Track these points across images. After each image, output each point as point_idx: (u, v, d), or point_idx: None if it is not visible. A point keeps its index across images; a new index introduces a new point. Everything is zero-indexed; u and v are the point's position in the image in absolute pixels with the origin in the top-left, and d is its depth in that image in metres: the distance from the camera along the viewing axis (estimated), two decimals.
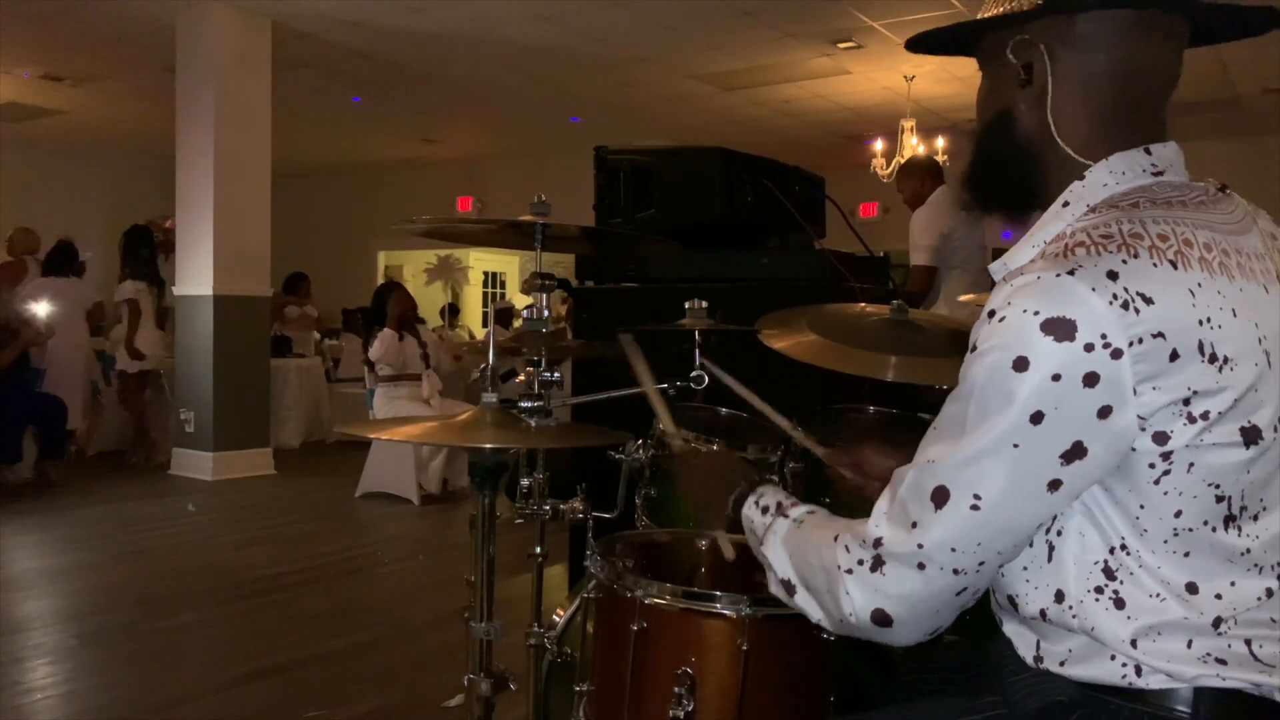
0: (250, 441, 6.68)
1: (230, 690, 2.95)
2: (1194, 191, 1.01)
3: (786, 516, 1.13)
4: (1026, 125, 1.06)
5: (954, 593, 0.97)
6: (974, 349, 0.94)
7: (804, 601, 1.06)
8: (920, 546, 0.96)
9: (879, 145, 8.05)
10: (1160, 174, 1.01)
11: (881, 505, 1.01)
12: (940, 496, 0.95)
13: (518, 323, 7.64)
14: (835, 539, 1.04)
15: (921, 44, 1.15)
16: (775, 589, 1.11)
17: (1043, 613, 0.99)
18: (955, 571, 0.96)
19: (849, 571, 1.00)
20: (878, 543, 0.99)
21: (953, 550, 0.95)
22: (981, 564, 0.96)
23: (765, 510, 1.15)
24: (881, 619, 0.99)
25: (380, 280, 12.94)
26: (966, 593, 0.98)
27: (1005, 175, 1.10)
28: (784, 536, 1.10)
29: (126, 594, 3.91)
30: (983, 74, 1.12)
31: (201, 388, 6.52)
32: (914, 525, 0.96)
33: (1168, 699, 0.94)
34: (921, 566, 0.96)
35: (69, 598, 3.95)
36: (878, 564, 0.99)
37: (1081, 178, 1.02)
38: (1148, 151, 1.02)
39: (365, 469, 6.00)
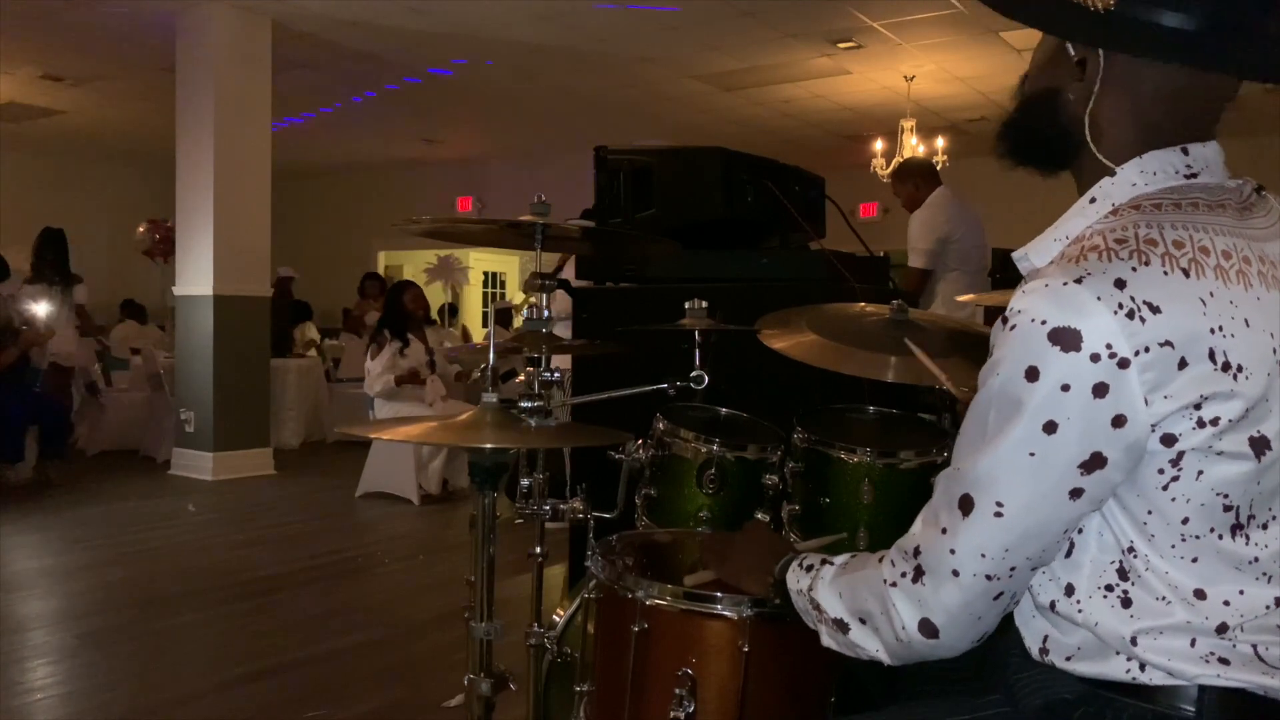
0: (250, 441, 6.68)
1: (230, 690, 2.95)
2: (1225, 194, 0.99)
3: (831, 564, 1.14)
4: (1069, 112, 1.05)
5: (991, 598, 0.98)
6: (990, 355, 0.95)
7: (860, 637, 1.06)
8: (952, 553, 0.97)
9: (879, 145, 8.05)
10: (1194, 175, 1.00)
11: (923, 511, 1.03)
12: (966, 504, 0.96)
13: (518, 322, 7.64)
14: (881, 559, 1.05)
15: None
16: (829, 638, 1.10)
17: (1052, 604, 1.00)
18: (988, 577, 0.96)
19: (894, 585, 1.01)
20: (917, 551, 1.00)
21: (982, 556, 0.95)
22: (1013, 569, 0.96)
23: (810, 568, 1.16)
24: (928, 630, 0.99)
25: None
26: (1004, 597, 0.98)
27: (1040, 145, 1.10)
28: (831, 579, 1.11)
29: (126, 594, 3.91)
30: (1039, 44, 1.10)
31: (201, 388, 6.52)
32: (944, 531, 0.98)
33: (1173, 696, 0.94)
34: (956, 574, 0.97)
35: (69, 598, 3.95)
36: (918, 574, 1.00)
37: (1112, 174, 1.01)
38: (1185, 151, 1.00)
39: (365, 469, 5.99)
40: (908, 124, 7.79)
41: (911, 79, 7.65)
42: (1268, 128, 8.57)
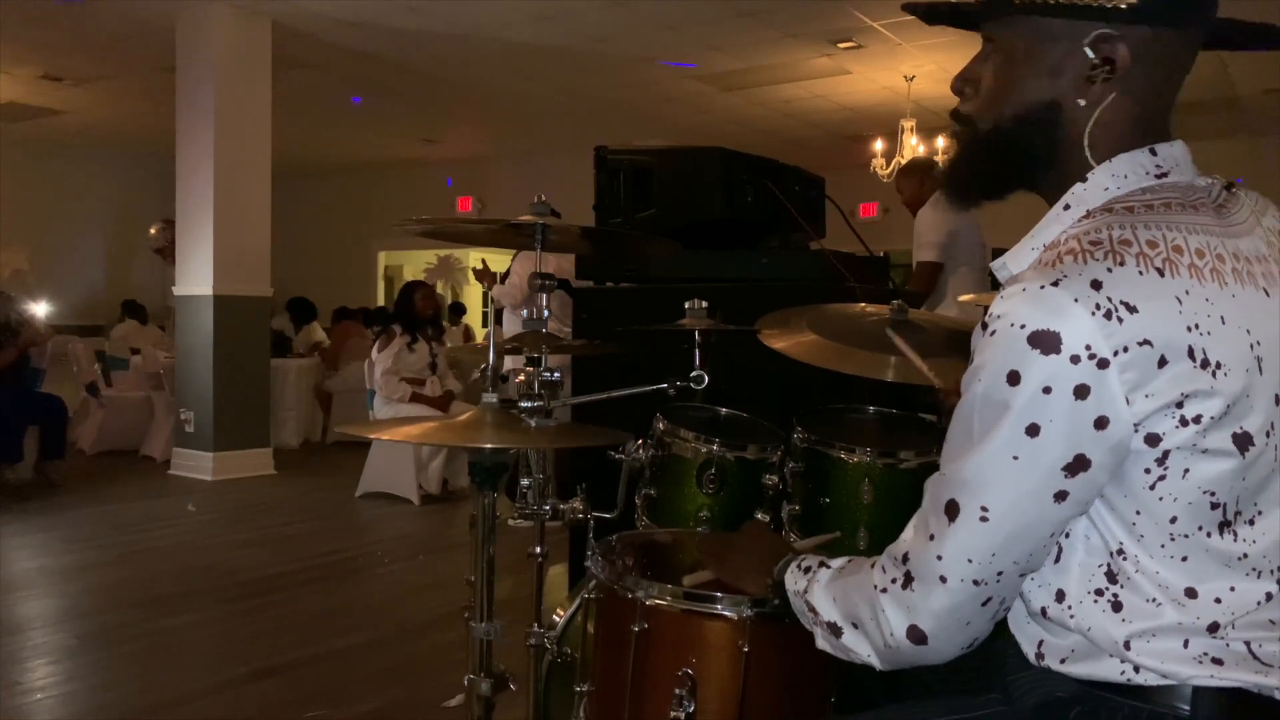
0: (250, 441, 6.68)
1: (230, 690, 2.95)
2: (1196, 193, 1.00)
3: (828, 567, 1.14)
4: (1071, 120, 1.01)
5: (979, 603, 0.97)
6: (972, 362, 0.95)
7: (852, 641, 1.06)
8: (939, 558, 0.97)
9: (879, 145, 8.05)
10: (1164, 175, 1.00)
11: (914, 518, 1.03)
12: (952, 509, 0.96)
13: None
14: (873, 565, 1.06)
15: (922, 9, 1.10)
16: (823, 640, 1.11)
17: (1044, 610, 1.00)
18: (976, 583, 0.96)
19: (884, 591, 1.02)
20: (905, 557, 1.01)
21: (969, 561, 0.95)
22: (1000, 574, 0.96)
23: (808, 570, 1.16)
24: (917, 636, 0.99)
25: (380, 280, 12.98)
26: (993, 602, 0.98)
27: (1023, 167, 1.06)
28: (826, 583, 1.11)
29: (126, 594, 3.91)
30: (1011, 54, 1.03)
31: (201, 388, 6.52)
32: (932, 538, 0.98)
33: (1167, 696, 0.95)
34: (943, 579, 0.97)
35: (69, 598, 3.95)
36: (907, 580, 1.00)
37: (1084, 179, 1.01)
38: (1153, 152, 1.00)
39: (365, 469, 6.00)
40: (908, 124, 7.79)
41: (911, 79, 7.65)
42: (1268, 128, 8.58)
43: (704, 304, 1.90)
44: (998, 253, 1.08)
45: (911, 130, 7.79)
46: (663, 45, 7.07)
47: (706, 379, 1.78)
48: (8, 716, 2.74)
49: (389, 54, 7.42)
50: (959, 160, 1.11)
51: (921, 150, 7.81)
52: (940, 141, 7.98)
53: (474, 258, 7.55)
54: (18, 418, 5.95)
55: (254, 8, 6.49)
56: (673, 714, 1.28)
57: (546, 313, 1.66)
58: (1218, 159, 1.13)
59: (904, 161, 7.29)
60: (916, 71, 7.52)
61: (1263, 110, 8.10)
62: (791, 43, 6.94)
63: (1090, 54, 0.99)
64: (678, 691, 1.29)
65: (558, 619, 1.76)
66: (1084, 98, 1.00)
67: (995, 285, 1.02)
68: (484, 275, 5.69)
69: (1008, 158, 1.06)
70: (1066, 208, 1.01)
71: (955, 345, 1.70)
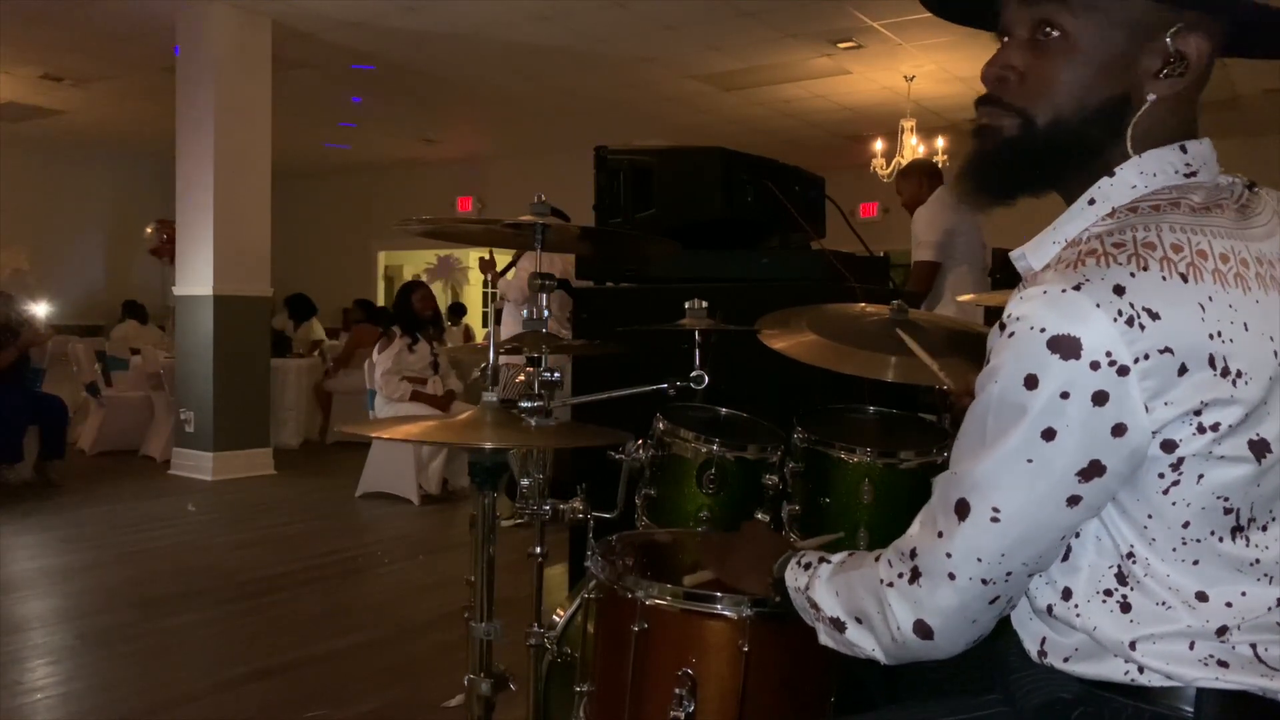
0: (250, 441, 6.68)
1: (230, 690, 2.95)
2: (1220, 193, 0.98)
3: (828, 562, 1.13)
4: (1126, 120, 0.98)
5: (986, 601, 0.97)
6: (988, 362, 0.95)
7: (856, 636, 1.06)
8: (948, 556, 0.96)
9: (879, 145, 8.05)
10: (1193, 174, 0.98)
11: (921, 513, 1.02)
12: (962, 509, 0.95)
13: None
14: (878, 559, 1.05)
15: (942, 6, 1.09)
16: (826, 636, 1.10)
17: (1049, 608, 1.00)
18: (984, 582, 0.96)
19: (890, 585, 1.01)
20: (913, 553, 1.00)
21: (978, 560, 0.95)
22: (1009, 574, 0.96)
23: (808, 566, 1.15)
24: (923, 631, 0.99)
25: (380, 280, 12.97)
26: (1000, 601, 0.98)
27: (1074, 163, 1.01)
28: (828, 578, 1.11)
29: (126, 594, 3.91)
30: (1078, 42, 0.98)
31: (201, 388, 6.52)
32: (940, 535, 0.97)
33: (1171, 698, 0.94)
34: (952, 577, 0.97)
35: (69, 598, 3.95)
36: (915, 576, 0.99)
37: (1111, 174, 0.99)
38: (1183, 149, 0.99)
39: (365, 469, 6.00)
40: (908, 124, 7.79)
41: (911, 79, 7.65)
42: (1268, 128, 8.57)
43: (704, 304, 1.90)
44: (998, 252, 1.07)
45: (911, 130, 7.79)
46: (663, 45, 7.07)
47: (706, 379, 1.78)
48: (8, 716, 2.74)
49: (389, 54, 7.42)
50: (990, 154, 1.04)
51: (921, 150, 7.81)
52: (940, 141, 7.98)
53: (474, 255, 7.55)
54: (18, 418, 5.94)
55: (254, 8, 6.49)
56: (673, 714, 1.28)
57: (546, 313, 1.66)
58: (1218, 159, 1.10)
59: (904, 162, 7.31)
60: (916, 71, 7.52)
61: (1263, 110, 8.10)
62: (791, 43, 6.94)
63: (1170, 45, 0.96)
64: (678, 691, 1.29)
65: (558, 619, 1.76)
66: (1155, 92, 0.97)
67: (996, 285, 1.02)
68: (488, 267, 5.72)
69: (1061, 153, 1.01)
70: (1091, 202, 0.99)
71: (956, 344, 1.70)
